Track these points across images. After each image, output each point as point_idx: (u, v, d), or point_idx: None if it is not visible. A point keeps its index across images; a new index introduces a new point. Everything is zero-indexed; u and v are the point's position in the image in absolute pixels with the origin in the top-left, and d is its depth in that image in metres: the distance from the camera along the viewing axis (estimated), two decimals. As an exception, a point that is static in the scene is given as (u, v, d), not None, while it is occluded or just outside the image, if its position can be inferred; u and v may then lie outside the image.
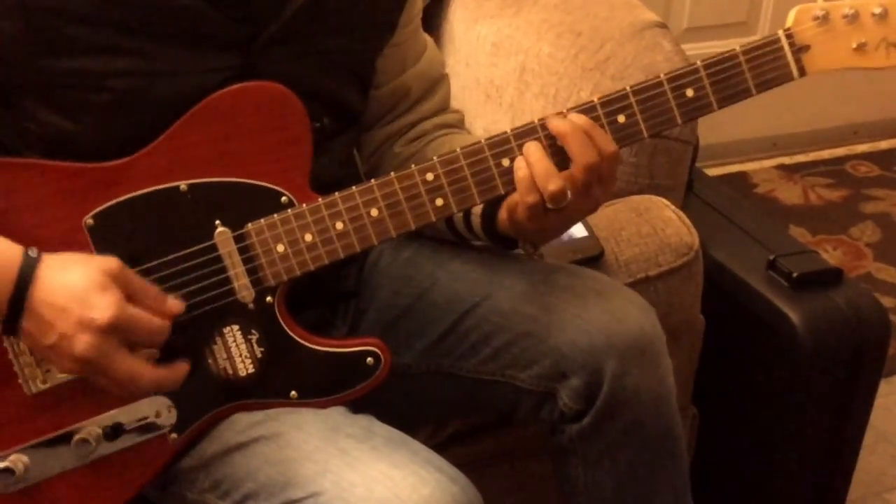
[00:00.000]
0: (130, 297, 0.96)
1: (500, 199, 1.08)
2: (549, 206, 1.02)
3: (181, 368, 1.02)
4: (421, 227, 1.04)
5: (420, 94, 1.24)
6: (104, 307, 0.93)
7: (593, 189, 1.03)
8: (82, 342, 0.93)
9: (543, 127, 1.03)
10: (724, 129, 2.61)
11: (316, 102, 1.05)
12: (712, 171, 2.54)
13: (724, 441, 1.63)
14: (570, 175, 1.02)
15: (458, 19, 1.77)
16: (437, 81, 1.26)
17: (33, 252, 0.95)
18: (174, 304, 1.01)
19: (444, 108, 1.27)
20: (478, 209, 1.13)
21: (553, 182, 1.01)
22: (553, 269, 1.21)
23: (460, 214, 1.16)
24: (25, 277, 0.93)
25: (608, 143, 1.02)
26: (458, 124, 1.29)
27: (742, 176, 2.77)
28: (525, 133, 1.04)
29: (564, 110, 1.04)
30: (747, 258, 1.56)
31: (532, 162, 1.02)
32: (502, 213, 1.10)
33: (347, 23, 1.10)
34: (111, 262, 0.97)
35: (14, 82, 1.00)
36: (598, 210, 1.09)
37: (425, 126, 1.24)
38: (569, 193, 1.02)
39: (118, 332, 0.95)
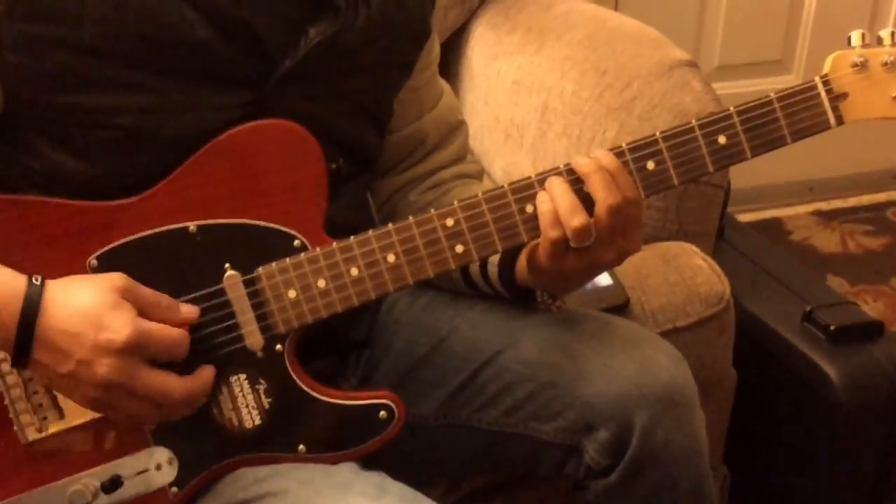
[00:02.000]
0: (143, 311, 0.97)
1: (519, 248, 1.09)
2: (573, 243, 1.02)
3: (206, 373, 1.02)
4: (440, 274, 1.05)
5: (437, 141, 1.25)
6: (120, 326, 0.94)
7: (617, 238, 1.04)
8: (103, 366, 0.94)
9: (570, 172, 1.04)
10: (757, 173, 2.60)
11: (331, 143, 1.06)
12: (745, 217, 2.54)
13: (757, 504, 1.62)
14: (595, 217, 1.02)
15: (477, 55, 1.79)
16: (455, 128, 1.28)
17: (37, 279, 0.96)
18: (189, 310, 1.02)
19: (462, 157, 1.29)
20: (495, 258, 1.14)
21: (578, 217, 1.01)
22: (579, 317, 1.21)
23: (477, 264, 1.17)
24: (32, 305, 0.94)
25: (631, 189, 1.03)
26: (478, 175, 1.30)
27: (776, 222, 2.76)
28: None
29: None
30: (782, 309, 1.57)
31: (556, 195, 1.02)
32: (521, 261, 1.11)
33: (364, 63, 1.11)
34: (118, 278, 0.98)
35: (19, 117, 1.01)
36: (619, 264, 1.09)
37: (443, 175, 1.25)
38: (593, 232, 1.02)
39: (138, 350, 0.96)
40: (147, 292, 0.99)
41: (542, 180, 1.04)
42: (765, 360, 1.56)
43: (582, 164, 1.03)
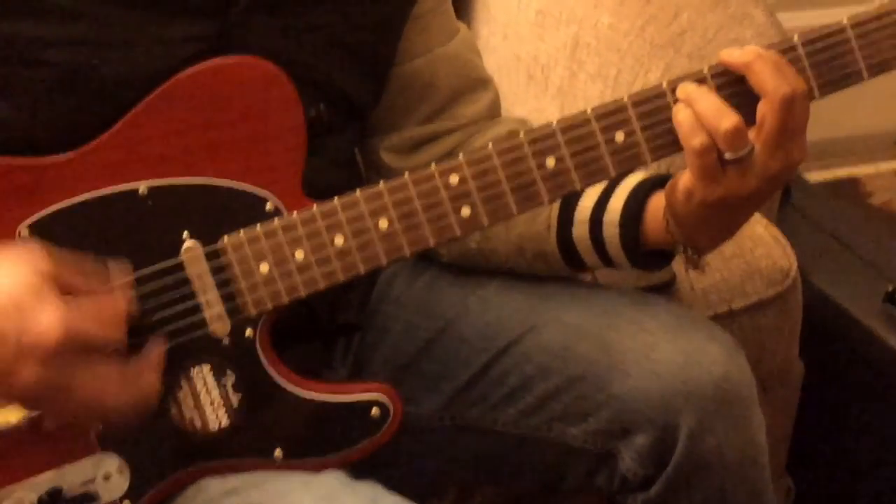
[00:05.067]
0: (67, 287, 0.95)
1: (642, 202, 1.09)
2: (727, 151, 0.99)
3: (154, 350, 1.00)
4: (441, 243, 1.05)
5: (456, 87, 1.23)
6: (46, 324, 0.92)
7: (785, 142, 1.00)
8: (28, 375, 0.92)
9: (716, 75, 1.01)
10: (830, 124, 2.58)
11: (307, 86, 1.05)
12: (815, 177, 2.54)
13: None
14: (760, 116, 0.99)
15: (495, -22, 1.78)
16: (481, 83, 1.26)
17: None
18: (119, 270, 0.99)
19: (497, 114, 1.27)
20: (614, 216, 1.12)
21: (727, 118, 0.98)
22: (615, 297, 1.22)
23: (586, 228, 1.14)
24: None
25: (801, 81, 1.00)
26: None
27: (854, 182, 2.75)
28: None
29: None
30: (859, 288, 1.57)
31: (693, 99, 1.00)
32: (654, 203, 1.09)
33: None
34: (41, 260, 0.94)
35: None
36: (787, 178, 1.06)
37: (470, 130, 1.23)
38: (753, 145, 0.99)
39: (71, 349, 0.93)
40: (66, 263, 0.96)
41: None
42: (838, 349, 1.57)
43: (735, 55, 1.00)
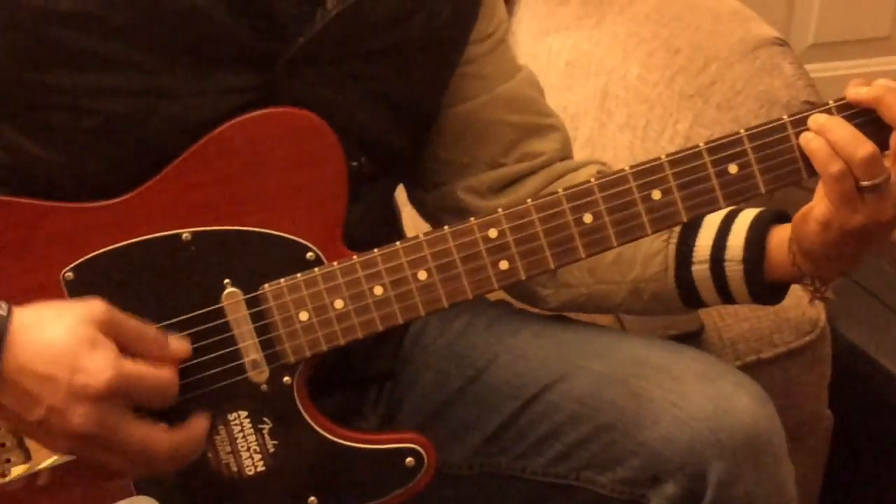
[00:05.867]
0: (125, 346, 0.98)
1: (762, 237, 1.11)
2: (863, 178, 1.00)
3: (198, 426, 1.03)
4: (479, 295, 1.05)
5: (521, 128, 1.23)
6: (98, 369, 0.95)
7: None
8: (78, 415, 0.95)
9: (843, 107, 1.02)
10: None
11: (350, 138, 1.07)
12: None
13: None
14: (894, 147, 1.00)
15: (524, 30, 1.80)
16: (546, 119, 1.25)
17: (2, 308, 0.97)
18: (178, 344, 1.02)
19: (569, 153, 1.26)
20: (737, 252, 1.14)
21: (863, 146, 1.00)
22: (644, 345, 1.22)
23: (706, 267, 1.16)
24: None
25: None
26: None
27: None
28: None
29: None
30: (890, 340, 1.56)
31: (827, 129, 1.01)
32: (776, 237, 1.11)
33: (396, 42, 1.11)
34: (96, 308, 0.98)
35: None
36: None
37: (554, 171, 1.22)
38: (889, 172, 1.01)
39: (119, 397, 0.96)
40: (131, 324, 1.00)
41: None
42: (868, 401, 1.56)
43: (863, 91, 1.02)
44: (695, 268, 1.17)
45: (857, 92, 1.02)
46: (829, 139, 1.01)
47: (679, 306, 1.21)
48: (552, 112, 1.28)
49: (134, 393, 0.97)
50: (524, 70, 1.26)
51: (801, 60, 1.55)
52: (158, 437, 0.99)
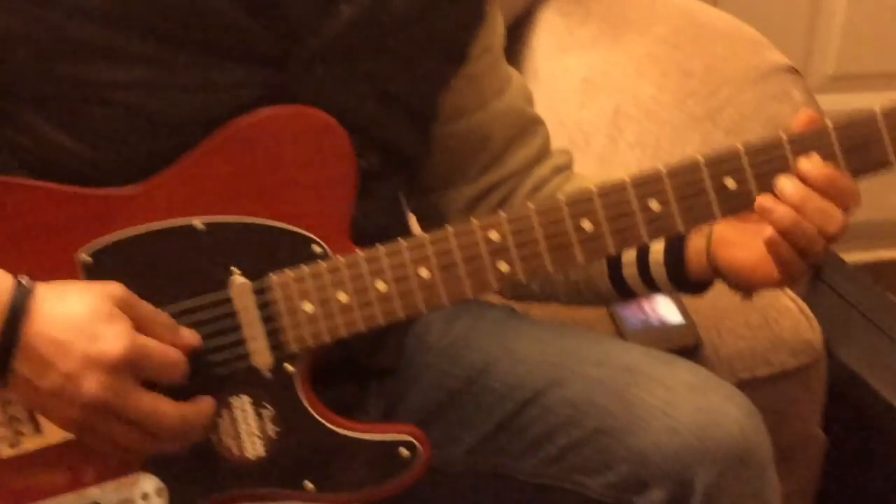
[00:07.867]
0: (139, 326, 1.01)
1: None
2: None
3: (206, 404, 1.06)
4: (479, 294, 1.08)
5: (512, 135, 1.26)
6: (113, 339, 0.98)
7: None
8: (92, 382, 0.98)
9: (794, 141, 1.05)
10: (870, 204, 2.58)
11: (360, 136, 1.09)
12: (851, 257, 2.49)
13: None
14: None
15: (542, 47, 1.82)
16: (534, 122, 1.29)
17: (26, 281, 1.00)
18: (189, 334, 1.05)
19: (547, 152, 1.30)
20: (658, 255, 1.19)
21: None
22: (639, 355, 1.24)
23: (634, 268, 1.21)
24: (18, 310, 0.98)
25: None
26: (570, 165, 1.31)
27: (892, 266, 2.73)
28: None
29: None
30: (885, 365, 1.56)
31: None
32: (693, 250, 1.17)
33: (406, 45, 1.14)
34: (115, 288, 1.02)
35: (9, 88, 1.06)
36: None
37: (541, 173, 1.27)
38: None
39: (132, 367, 0.99)
40: (146, 307, 1.03)
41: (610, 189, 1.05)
42: (861, 426, 1.56)
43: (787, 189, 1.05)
44: (625, 270, 1.22)
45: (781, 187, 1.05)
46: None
47: (616, 298, 1.27)
48: (535, 116, 1.31)
49: (146, 366, 1.00)
50: (514, 77, 1.29)
51: (822, 91, 1.60)
52: (167, 407, 1.02)
